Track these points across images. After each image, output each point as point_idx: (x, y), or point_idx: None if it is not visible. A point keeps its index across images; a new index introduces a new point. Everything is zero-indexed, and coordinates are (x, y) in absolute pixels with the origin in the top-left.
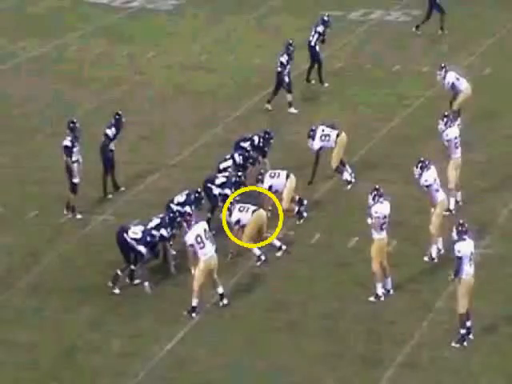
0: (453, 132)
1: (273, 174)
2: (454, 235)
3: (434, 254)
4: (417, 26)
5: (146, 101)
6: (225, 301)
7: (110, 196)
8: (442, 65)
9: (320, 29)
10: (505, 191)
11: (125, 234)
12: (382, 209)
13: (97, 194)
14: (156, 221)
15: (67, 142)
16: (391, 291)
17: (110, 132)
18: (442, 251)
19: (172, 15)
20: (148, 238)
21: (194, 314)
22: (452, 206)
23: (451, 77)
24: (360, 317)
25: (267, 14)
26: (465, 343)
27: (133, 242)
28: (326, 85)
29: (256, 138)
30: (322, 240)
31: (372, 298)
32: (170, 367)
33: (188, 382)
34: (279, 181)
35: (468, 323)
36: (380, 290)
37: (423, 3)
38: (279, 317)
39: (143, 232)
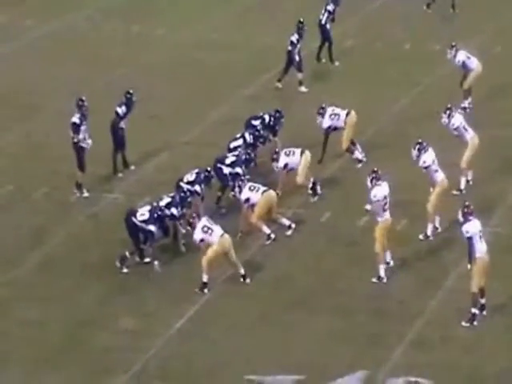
0: (457, 120)
1: (288, 152)
2: (460, 217)
3: (429, 233)
4: (427, 4)
5: (156, 79)
6: (247, 280)
7: (120, 174)
8: (453, 44)
9: (330, 7)
10: None
11: (133, 218)
12: (380, 191)
13: (107, 172)
14: (166, 199)
15: (75, 119)
16: (391, 263)
17: (121, 110)
18: (439, 230)
19: None
20: (156, 215)
21: (205, 290)
22: (463, 186)
23: (462, 55)
24: (369, 295)
25: None
26: (475, 323)
27: (142, 224)
28: (337, 63)
29: (267, 117)
30: (332, 219)
31: (374, 279)
32: (179, 345)
33: (197, 359)
34: (294, 159)
35: (482, 301)
36: (382, 272)
37: None
38: (289, 295)
39: (150, 211)
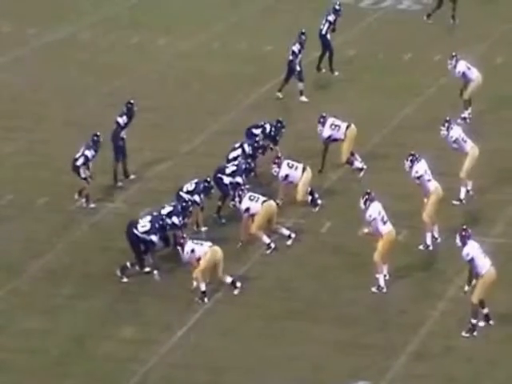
0: (456, 132)
1: (291, 165)
2: (458, 242)
3: (428, 242)
4: (428, 14)
5: (158, 88)
6: (237, 284)
7: (120, 184)
8: (453, 54)
9: (331, 18)
10: None
11: (134, 230)
12: (374, 209)
13: (107, 181)
14: (168, 208)
15: (88, 154)
16: (387, 276)
17: (122, 120)
18: (439, 240)
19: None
20: (157, 225)
21: (205, 299)
22: (462, 196)
23: (462, 66)
24: (370, 305)
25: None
26: (475, 333)
27: (144, 235)
28: (337, 73)
29: (268, 126)
30: (333, 229)
31: (374, 289)
32: (181, 354)
33: (199, 369)
34: (295, 173)
35: (485, 311)
36: (382, 281)
37: None
38: (290, 304)
39: (151, 221)
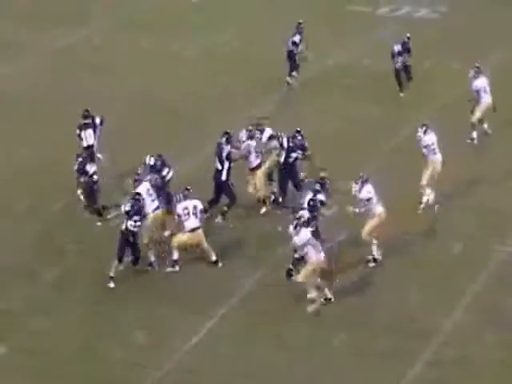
0: (429, 139)
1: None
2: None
3: (376, 255)
4: (400, 89)
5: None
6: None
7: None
8: (477, 65)
9: (297, 38)
10: None
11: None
12: (369, 190)
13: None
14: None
15: (90, 169)
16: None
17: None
18: (380, 259)
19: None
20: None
21: (177, 267)
22: (423, 204)
23: (481, 83)
24: (383, 312)
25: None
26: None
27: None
28: (291, 81)
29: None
30: (348, 236)
31: (371, 264)
32: (193, 360)
33: (212, 374)
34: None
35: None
36: (376, 252)
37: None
38: (303, 311)
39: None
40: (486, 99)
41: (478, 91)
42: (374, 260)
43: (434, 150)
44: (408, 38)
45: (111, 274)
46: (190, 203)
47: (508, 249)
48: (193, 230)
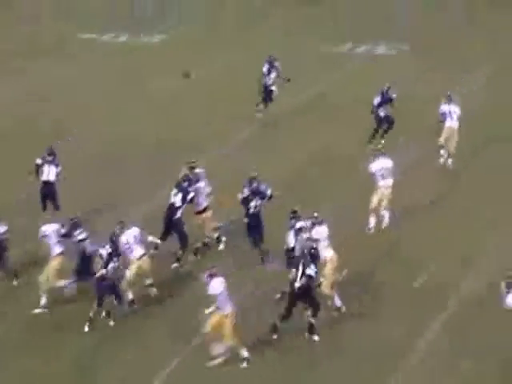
0: (377, 165)
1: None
2: (503, 288)
3: (338, 304)
4: (370, 140)
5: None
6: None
7: None
8: (448, 93)
9: (265, 69)
10: None
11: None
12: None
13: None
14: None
15: (81, 236)
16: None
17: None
18: (342, 307)
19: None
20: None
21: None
22: (371, 225)
23: (448, 108)
24: (363, 337)
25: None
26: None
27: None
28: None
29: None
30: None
31: (335, 313)
32: (184, 377)
33: None
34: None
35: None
36: (338, 302)
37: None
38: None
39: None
40: (449, 123)
41: (443, 114)
42: (338, 309)
43: (383, 175)
44: (388, 88)
45: None
46: (129, 235)
47: None
48: (140, 258)
